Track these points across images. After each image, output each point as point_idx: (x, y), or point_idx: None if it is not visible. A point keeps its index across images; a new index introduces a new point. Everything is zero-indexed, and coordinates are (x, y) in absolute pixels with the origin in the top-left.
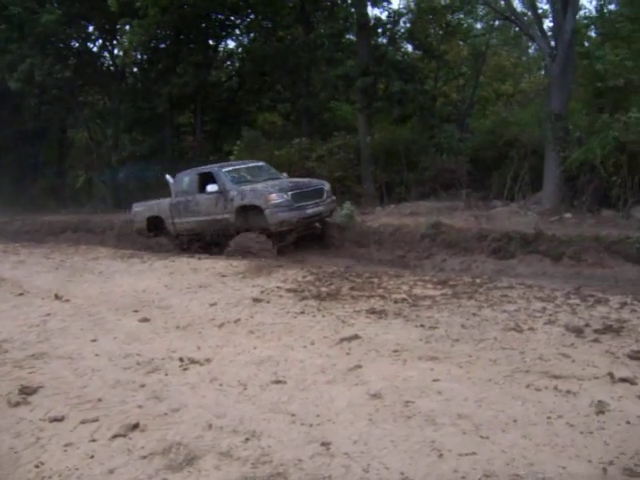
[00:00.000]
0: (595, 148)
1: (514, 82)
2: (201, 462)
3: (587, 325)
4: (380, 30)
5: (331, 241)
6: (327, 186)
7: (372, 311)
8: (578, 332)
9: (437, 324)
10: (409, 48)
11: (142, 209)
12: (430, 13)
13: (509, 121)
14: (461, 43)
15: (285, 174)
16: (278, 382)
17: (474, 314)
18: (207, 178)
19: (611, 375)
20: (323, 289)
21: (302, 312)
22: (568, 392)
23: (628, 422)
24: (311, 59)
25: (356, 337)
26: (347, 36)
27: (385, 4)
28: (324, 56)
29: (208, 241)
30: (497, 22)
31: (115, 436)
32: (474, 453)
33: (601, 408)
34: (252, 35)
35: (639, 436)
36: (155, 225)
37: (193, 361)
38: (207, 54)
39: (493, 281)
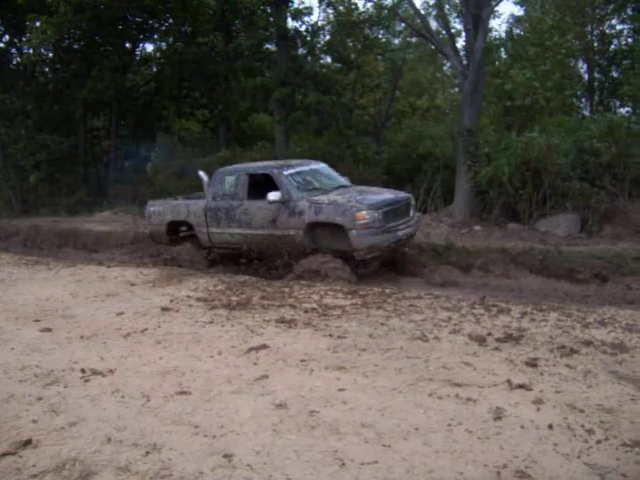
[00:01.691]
0: (503, 165)
1: (429, 97)
2: (97, 478)
3: (489, 334)
4: (299, 41)
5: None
6: (413, 200)
7: (282, 320)
8: (481, 341)
9: (345, 334)
10: (328, 60)
11: (161, 209)
12: (349, 27)
13: (423, 135)
14: (379, 58)
15: (345, 178)
16: (183, 393)
17: (382, 324)
18: (260, 181)
19: (509, 382)
20: (234, 298)
21: (211, 321)
22: (468, 399)
23: (522, 427)
24: (230, 68)
25: (264, 347)
26: (266, 46)
27: (305, 17)
28: (243, 65)
29: (252, 259)
30: (414, 39)
31: (4, 454)
32: (376, 462)
33: (498, 414)
34: (171, 40)
35: (532, 440)
36: (176, 231)
37: (95, 372)
38: (124, 57)
39: (402, 291)
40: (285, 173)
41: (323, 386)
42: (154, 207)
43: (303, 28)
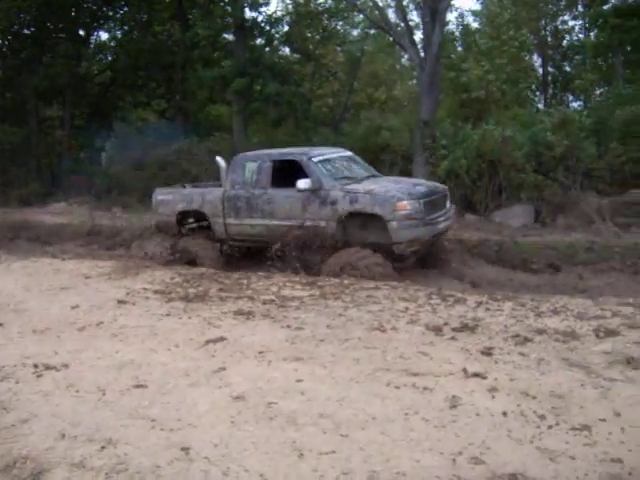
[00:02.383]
0: (460, 157)
1: (387, 89)
2: (49, 476)
3: (446, 324)
4: (257, 32)
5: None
6: (448, 191)
7: (240, 312)
8: (437, 331)
9: (303, 325)
10: (287, 51)
11: (171, 198)
12: (308, 18)
13: (382, 127)
14: (338, 49)
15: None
16: (139, 386)
17: (340, 314)
18: (285, 168)
19: (465, 371)
20: (191, 290)
21: (168, 314)
22: (425, 388)
23: (478, 414)
24: (187, 57)
25: (222, 339)
26: (224, 36)
27: (263, 7)
28: (200, 55)
29: (277, 253)
30: (372, 30)
31: None
32: (333, 452)
33: (454, 402)
34: (126, 28)
35: (486, 426)
36: (185, 222)
37: (49, 367)
38: (77, 45)
39: (359, 282)
40: (314, 160)
41: (281, 377)
42: (163, 195)
43: (261, 18)
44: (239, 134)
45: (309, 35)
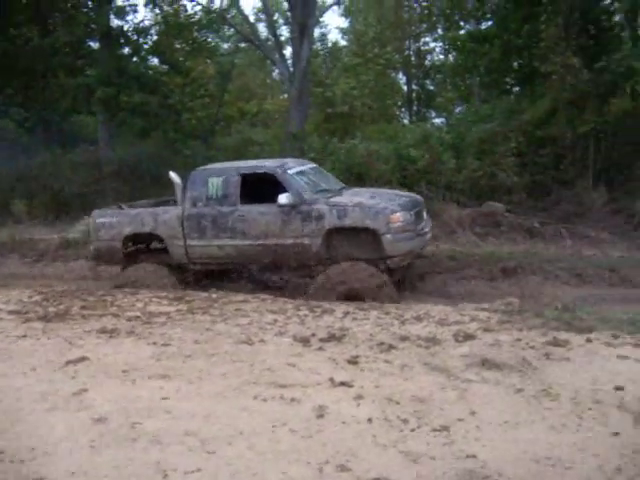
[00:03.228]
0: (329, 171)
1: (258, 102)
2: None
3: (313, 335)
4: (124, 41)
5: None
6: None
7: (103, 330)
8: (305, 342)
9: (170, 341)
10: (155, 61)
11: (115, 220)
12: (177, 29)
13: (252, 140)
14: (208, 61)
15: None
16: None
17: (208, 329)
18: (257, 182)
19: (332, 380)
20: (51, 309)
21: (24, 335)
22: (293, 400)
23: (344, 422)
24: (48, 64)
25: (84, 359)
26: (89, 43)
27: (130, 15)
28: (62, 63)
29: (246, 275)
30: (243, 44)
31: None
32: (199, 469)
33: (321, 412)
34: None
35: (352, 434)
36: (134, 248)
37: None
38: None
39: (228, 295)
40: (290, 172)
41: (146, 396)
42: (104, 218)
43: (128, 27)
44: (106, 146)
45: (178, 46)
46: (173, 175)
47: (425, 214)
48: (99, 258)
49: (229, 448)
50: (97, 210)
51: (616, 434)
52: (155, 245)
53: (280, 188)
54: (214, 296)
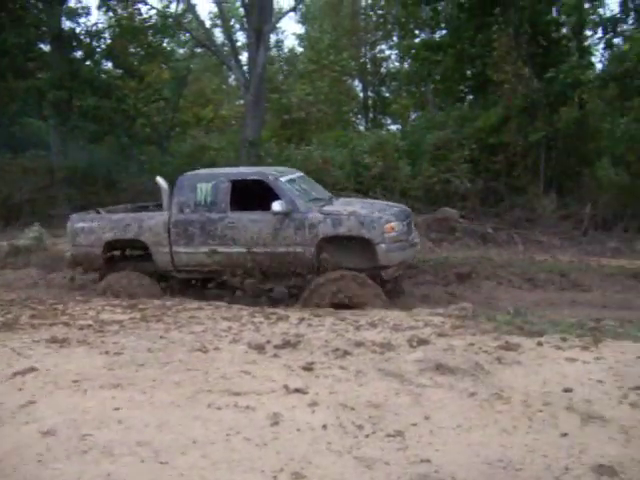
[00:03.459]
0: None
1: (214, 108)
2: None
3: (268, 342)
4: (76, 44)
5: None
6: None
7: (53, 340)
8: (260, 349)
9: (123, 349)
10: (109, 65)
11: (96, 225)
12: (131, 32)
13: (207, 146)
14: (163, 66)
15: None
16: None
17: (162, 337)
18: (248, 189)
19: (286, 387)
20: None
21: None
22: (247, 407)
23: (299, 429)
24: None
25: (32, 370)
26: (40, 46)
27: (83, 18)
28: (12, 65)
29: (235, 283)
30: (199, 49)
31: None
32: None
33: (276, 419)
34: None
35: (307, 441)
36: (116, 254)
37: None
38: None
39: (183, 303)
40: (283, 179)
41: (97, 407)
42: (83, 223)
43: (80, 30)
44: (57, 151)
45: (133, 50)
46: (160, 180)
47: (412, 223)
48: (76, 265)
49: (182, 458)
50: (75, 214)
51: (564, 435)
52: (134, 252)
53: (272, 195)
54: (168, 303)
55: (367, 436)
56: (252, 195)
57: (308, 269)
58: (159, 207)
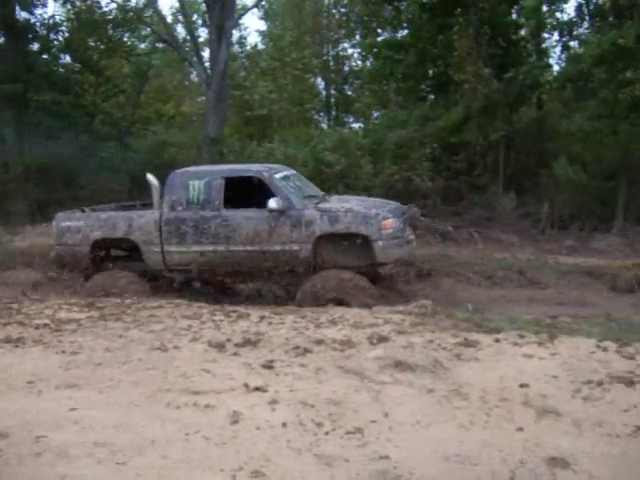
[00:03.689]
0: None
1: (176, 104)
2: None
3: (229, 340)
4: (32, 36)
5: None
6: None
7: (7, 340)
8: (220, 347)
9: (80, 349)
10: (67, 59)
11: (83, 224)
12: (90, 26)
13: (168, 143)
14: (124, 61)
15: None
16: None
17: (120, 336)
18: (241, 186)
19: (246, 385)
20: None
21: None
22: (207, 406)
23: (258, 428)
24: None
25: None
26: None
27: (40, 9)
28: None
29: (226, 282)
30: (161, 44)
31: None
32: None
33: (235, 418)
34: None
35: (267, 439)
36: (99, 254)
37: None
38: None
39: (142, 301)
40: (277, 176)
41: (53, 407)
42: (69, 221)
43: (35, 21)
44: (13, 147)
45: (92, 44)
46: (150, 177)
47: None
48: (61, 264)
49: (140, 458)
50: (61, 213)
51: (520, 429)
52: (118, 252)
53: (265, 193)
54: (127, 302)
55: (327, 433)
56: (244, 193)
57: (304, 267)
58: (146, 206)
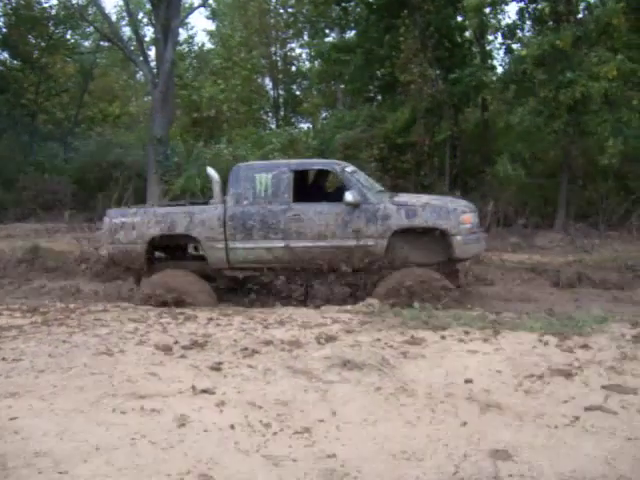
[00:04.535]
0: (195, 176)
1: (121, 104)
2: None
3: (176, 342)
4: None
5: None
6: None
7: None
8: (167, 350)
9: (22, 355)
10: (6, 56)
11: (138, 220)
12: (30, 22)
13: (113, 143)
14: (68, 59)
15: None
16: None
17: (64, 341)
18: (310, 179)
19: (194, 388)
20: None
21: None
22: (153, 410)
23: (206, 430)
24: None
25: None
26: None
27: None
28: None
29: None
30: (106, 43)
31: None
32: None
33: (183, 421)
34: None
35: (214, 442)
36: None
37: None
38: None
39: (87, 305)
40: (348, 170)
41: None
42: (123, 218)
43: None
44: None
45: (33, 41)
46: (211, 171)
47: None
48: (115, 263)
49: (84, 466)
50: (114, 209)
51: (464, 424)
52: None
53: (339, 186)
54: (72, 306)
55: (275, 434)
56: (316, 186)
57: (378, 263)
58: (194, 204)
